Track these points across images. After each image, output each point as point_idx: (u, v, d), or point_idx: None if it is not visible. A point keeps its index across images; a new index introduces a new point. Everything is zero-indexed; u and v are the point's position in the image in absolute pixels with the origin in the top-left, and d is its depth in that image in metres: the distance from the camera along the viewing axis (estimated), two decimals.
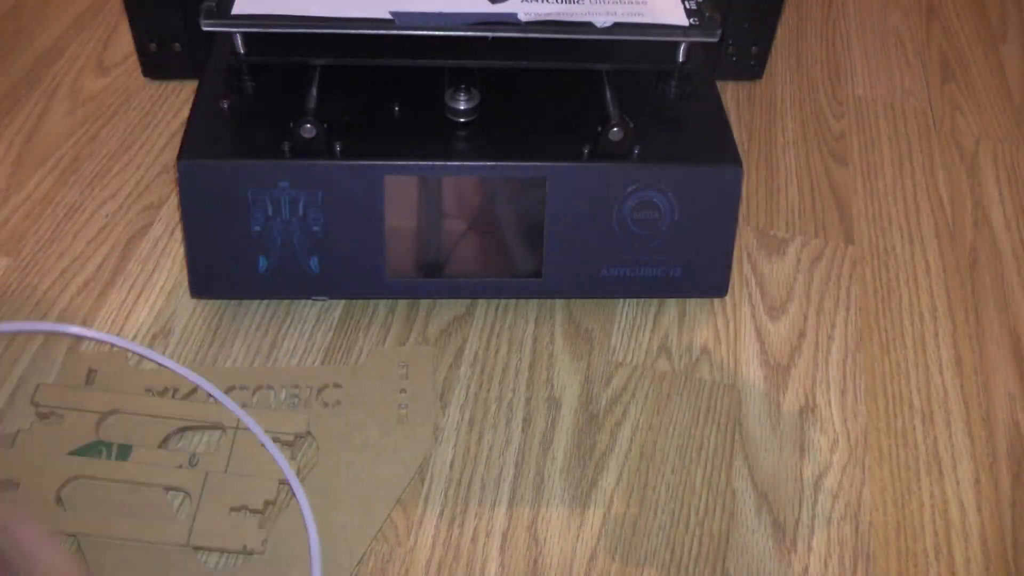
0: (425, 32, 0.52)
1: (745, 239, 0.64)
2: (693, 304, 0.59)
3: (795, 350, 0.57)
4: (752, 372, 0.56)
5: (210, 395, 0.51)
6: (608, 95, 0.54)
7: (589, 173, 0.53)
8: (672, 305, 0.59)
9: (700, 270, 0.56)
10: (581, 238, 0.54)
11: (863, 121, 0.74)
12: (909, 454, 0.53)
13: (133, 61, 0.72)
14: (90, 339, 0.54)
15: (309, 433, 0.50)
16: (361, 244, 0.53)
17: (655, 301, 0.59)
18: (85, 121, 0.69)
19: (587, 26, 0.52)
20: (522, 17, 0.52)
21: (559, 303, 0.58)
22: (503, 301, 0.58)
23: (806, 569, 0.48)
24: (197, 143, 0.52)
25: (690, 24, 0.53)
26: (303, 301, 0.57)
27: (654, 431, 0.53)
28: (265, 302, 0.57)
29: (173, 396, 0.51)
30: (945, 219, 0.66)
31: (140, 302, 0.57)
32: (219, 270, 0.54)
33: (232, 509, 0.46)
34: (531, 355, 0.56)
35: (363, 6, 0.52)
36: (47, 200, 0.63)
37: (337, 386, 0.52)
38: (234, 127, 0.54)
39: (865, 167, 0.70)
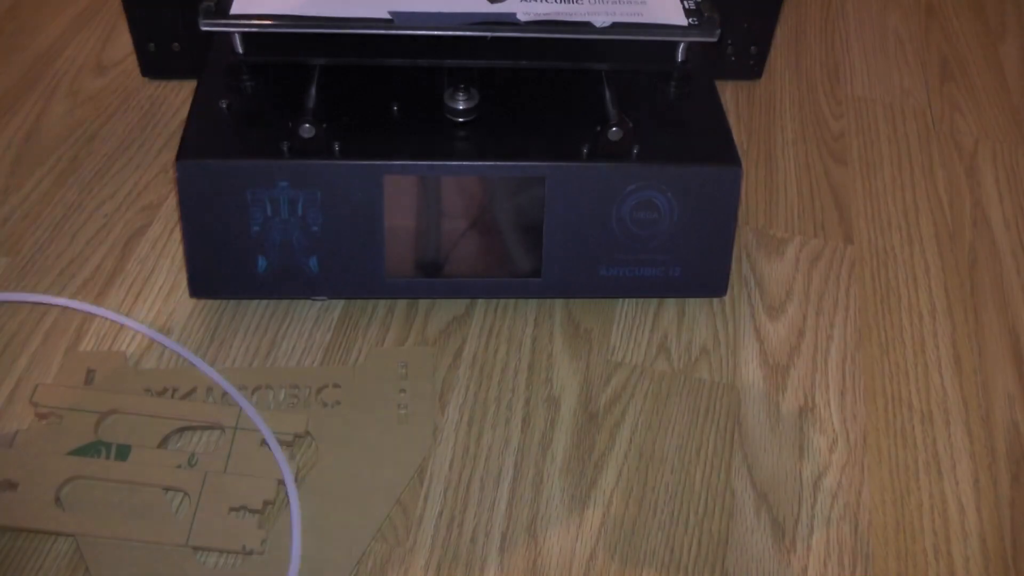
0: (424, 32, 0.52)
1: (744, 239, 0.64)
2: (692, 304, 0.59)
3: (794, 350, 0.57)
4: (751, 372, 0.56)
5: (211, 388, 0.51)
6: (607, 95, 0.54)
7: (588, 173, 0.53)
8: (671, 305, 0.59)
9: (699, 270, 0.56)
10: (580, 238, 0.54)
11: (862, 121, 0.74)
12: (908, 454, 0.53)
13: (132, 61, 0.72)
14: (96, 315, 0.54)
15: (308, 433, 0.50)
16: (360, 244, 0.53)
17: (654, 301, 0.59)
18: (84, 121, 0.69)
19: (586, 26, 0.52)
20: (521, 17, 0.52)
21: (558, 303, 0.58)
22: (502, 301, 0.58)
23: (805, 569, 0.48)
24: (196, 143, 0.52)
25: (689, 24, 0.53)
26: (302, 301, 0.57)
27: (653, 431, 0.53)
28: (264, 302, 0.57)
29: (172, 396, 0.51)
30: (944, 219, 0.66)
31: (139, 302, 0.57)
32: (218, 270, 0.54)
33: (231, 509, 0.46)
34: (530, 355, 0.56)
35: (363, 6, 0.52)
36: (46, 200, 0.63)
37: (336, 386, 0.52)
38: (233, 127, 0.54)
39: (864, 167, 0.70)
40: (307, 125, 0.51)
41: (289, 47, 0.54)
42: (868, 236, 0.65)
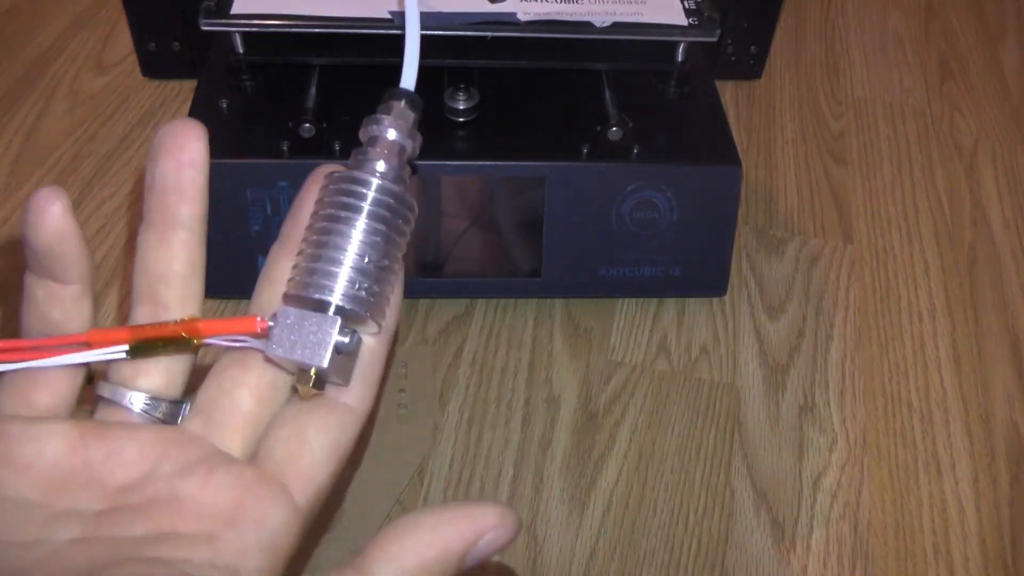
0: (424, 32, 0.51)
1: (744, 239, 0.64)
2: (692, 304, 0.59)
3: (794, 350, 0.57)
4: (751, 372, 0.56)
5: None
6: (607, 95, 0.54)
7: (588, 172, 0.53)
8: (671, 305, 0.59)
9: (699, 270, 0.56)
10: (580, 238, 0.54)
11: (862, 121, 0.74)
12: (908, 454, 0.53)
13: (132, 60, 0.72)
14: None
15: None
16: None
17: (654, 301, 0.59)
18: (84, 120, 0.69)
19: (586, 26, 0.52)
20: (521, 17, 0.52)
21: (558, 303, 0.59)
22: (502, 301, 0.58)
23: (805, 568, 0.48)
24: None
25: (689, 24, 0.53)
26: None
27: (653, 431, 0.53)
28: None
29: None
30: (944, 219, 0.66)
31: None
32: (218, 270, 0.54)
33: None
34: (530, 355, 0.56)
35: (362, 6, 0.52)
36: None
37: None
38: (233, 127, 0.54)
39: (864, 167, 0.70)
40: (307, 125, 0.51)
41: (289, 47, 0.54)
42: (868, 236, 0.65)
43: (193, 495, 0.25)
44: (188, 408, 0.28)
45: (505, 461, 0.51)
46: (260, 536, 0.25)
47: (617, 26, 0.52)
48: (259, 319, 0.27)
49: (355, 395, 0.29)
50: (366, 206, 0.28)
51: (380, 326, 0.29)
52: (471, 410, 0.53)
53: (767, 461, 0.52)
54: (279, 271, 0.30)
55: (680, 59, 0.56)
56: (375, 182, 0.28)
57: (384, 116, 0.30)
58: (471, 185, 0.54)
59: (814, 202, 0.67)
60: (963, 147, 0.73)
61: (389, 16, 0.52)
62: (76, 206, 0.62)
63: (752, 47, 0.73)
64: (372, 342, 0.29)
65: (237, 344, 0.28)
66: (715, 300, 0.59)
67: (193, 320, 0.28)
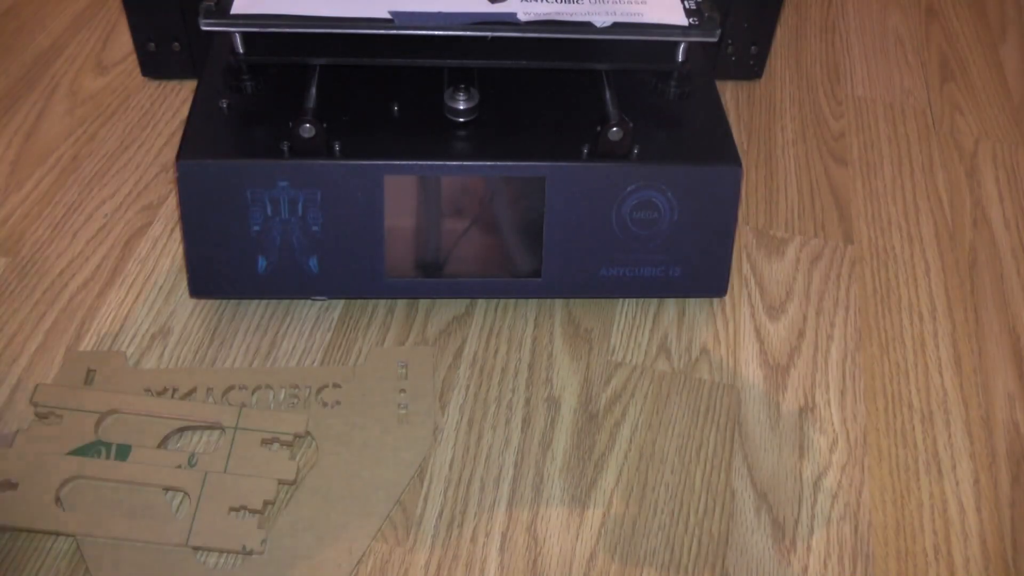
0: (424, 32, 0.51)
1: (744, 239, 0.64)
2: (692, 304, 0.59)
3: (794, 350, 0.57)
4: (751, 372, 0.56)
5: (211, 388, 0.51)
6: (607, 95, 0.54)
7: (588, 173, 0.53)
8: (671, 305, 0.59)
9: (699, 270, 0.56)
10: (580, 238, 0.54)
11: (862, 121, 0.74)
12: (908, 454, 0.53)
13: (132, 60, 0.72)
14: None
15: (308, 433, 0.50)
16: (360, 244, 0.53)
17: (654, 301, 0.59)
18: (84, 120, 0.69)
19: (586, 26, 0.52)
20: (521, 17, 0.52)
21: (558, 303, 0.58)
22: (502, 301, 0.58)
23: (805, 569, 0.48)
24: (196, 143, 0.52)
25: (689, 24, 0.53)
26: (302, 301, 0.57)
27: (653, 431, 0.53)
28: (264, 302, 0.57)
29: (172, 396, 0.51)
30: (944, 219, 0.66)
31: (139, 302, 0.57)
32: (218, 270, 0.54)
33: (231, 509, 0.46)
34: (530, 355, 0.56)
35: (363, 6, 0.52)
36: (46, 200, 0.63)
37: (336, 386, 0.52)
38: (233, 127, 0.54)
39: (864, 167, 0.70)
40: (307, 125, 0.51)
41: (289, 47, 0.54)
42: (868, 236, 0.65)
43: None
44: None
45: (505, 461, 0.51)
46: None
47: (617, 26, 0.52)
48: None
49: None
50: None
51: None
52: (471, 410, 0.53)
53: (767, 462, 0.52)
54: None
55: (680, 59, 0.56)
56: None
57: None
58: (471, 185, 0.53)
59: (814, 202, 0.67)
60: (964, 147, 0.73)
61: (389, 16, 0.51)
62: (76, 206, 0.62)
63: (752, 47, 0.73)
64: None
65: None
66: (715, 300, 0.59)
67: None
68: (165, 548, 0.45)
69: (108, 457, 0.48)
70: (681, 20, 0.53)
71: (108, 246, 0.60)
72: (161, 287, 0.58)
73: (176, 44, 0.69)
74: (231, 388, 0.52)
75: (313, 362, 0.54)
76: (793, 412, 0.54)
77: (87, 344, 0.54)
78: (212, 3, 0.51)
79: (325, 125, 0.51)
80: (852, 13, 0.85)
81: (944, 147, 0.72)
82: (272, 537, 0.46)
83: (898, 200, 0.68)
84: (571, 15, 0.53)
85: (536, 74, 0.58)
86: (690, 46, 0.55)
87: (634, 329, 0.58)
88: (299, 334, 0.56)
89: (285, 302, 0.57)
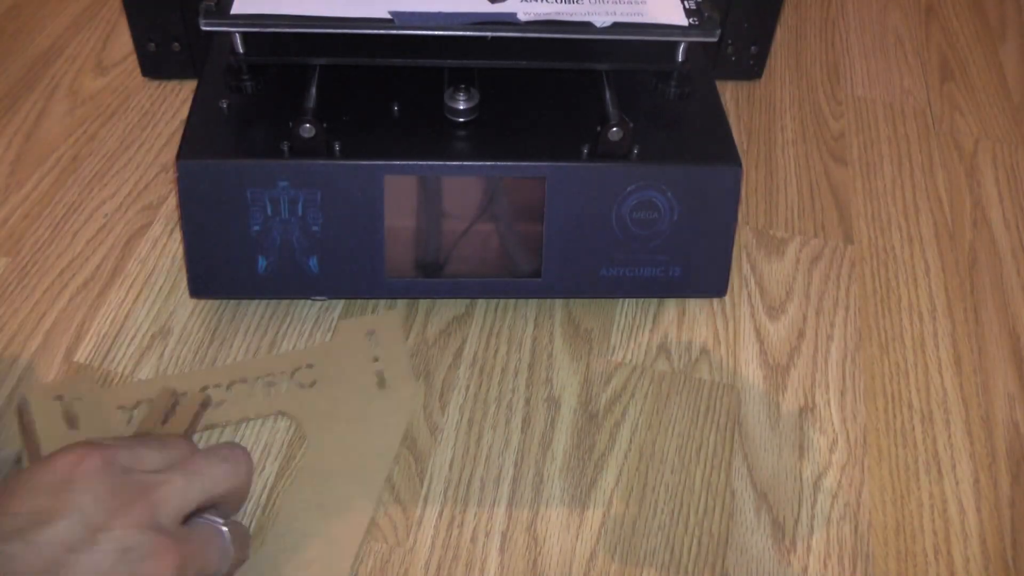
0: (424, 32, 0.51)
1: (744, 239, 0.64)
2: (692, 304, 0.59)
3: (794, 350, 0.57)
4: (751, 372, 0.56)
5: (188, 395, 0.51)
6: (607, 95, 0.54)
7: (588, 173, 0.53)
8: (671, 305, 0.59)
9: (699, 270, 0.56)
10: (580, 238, 0.54)
11: (862, 121, 0.74)
12: (908, 454, 0.53)
13: (132, 61, 0.72)
14: None
15: (286, 414, 0.51)
16: (360, 244, 0.53)
17: (654, 301, 0.59)
18: (84, 121, 0.69)
19: (586, 26, 0.52)
20: (521, 17, 0.52)
21: (558, 303, 0.58)
22: (502, 301, 0.58)
23: (805, 569, 0.48)
24: (196, 143, 0.52)
25: (689, 24, 0.53)
26: (302, 301, 0.57)
27: (653, 431, 0.53)
28: (264, 302, 0.57)
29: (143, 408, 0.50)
30: (944, 219, 0.66)
31: (139, 302, 0.57)
32: (218, 270, 0.54)
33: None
34: (530, 355, 0.56)
35: (363, 6, 0.52)
36: (46, 200, 0.63)
37: (310, 366, 0.53)
38: (233, 127, 0.54)
39: (864, 167, 0.70)
40: (307, 125, 0.51)
41: (289, 47, 0.54)
42: (868, 236, 0.65)
43: None
44: None
45: (505, 461, 0.51)
46: None
47: (617, 26, 0.52)
48: None
49: None
50: None
51: None
52: (471, 410, 0.53)
53: (767, 462, 0.52)
54: None
55: (680, 59, 0.56)
56: None
57: None
58: (471, 185, 0.53)
59: (814, 202, 0.67)
60: (963, 147, 0.73)
61: (389, 16, 0.51)
62: (76, 206, 0.62)
63: (752, 47, 0.73)
64: None
65: None
66: (715, 300, 0.59)
67: None
68: None
69: None
70: (681, 20, 0.53)
71: (108, 246, 0.60)
72: (161, 287, 0.58)
73: (176, 44, 0.69)
74: (205, 387, 0.52)
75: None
76: (793, 412, 0.54)
77: (87, 343, 0.54)
78: (212, 3, 0.51)
79: (325, 125, 0.51)
80: (852, 13, 0.85)
81: (944, 147, 0.72)
82: (280, 521, 0.46)
83: (898, 200, 0.68)
84: (571, 15, 0.53)
85: (536, 74, 0.58)
86: (690, 46, 0.55)
87: (634, 329, 0.58)
88: (299, 334, 0.56)
89: (285, 302, 0.57)
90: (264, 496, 0.48)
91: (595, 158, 0.53)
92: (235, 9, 0.52)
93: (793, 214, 0.66)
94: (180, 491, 0.39)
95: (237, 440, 0.50)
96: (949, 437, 0.54)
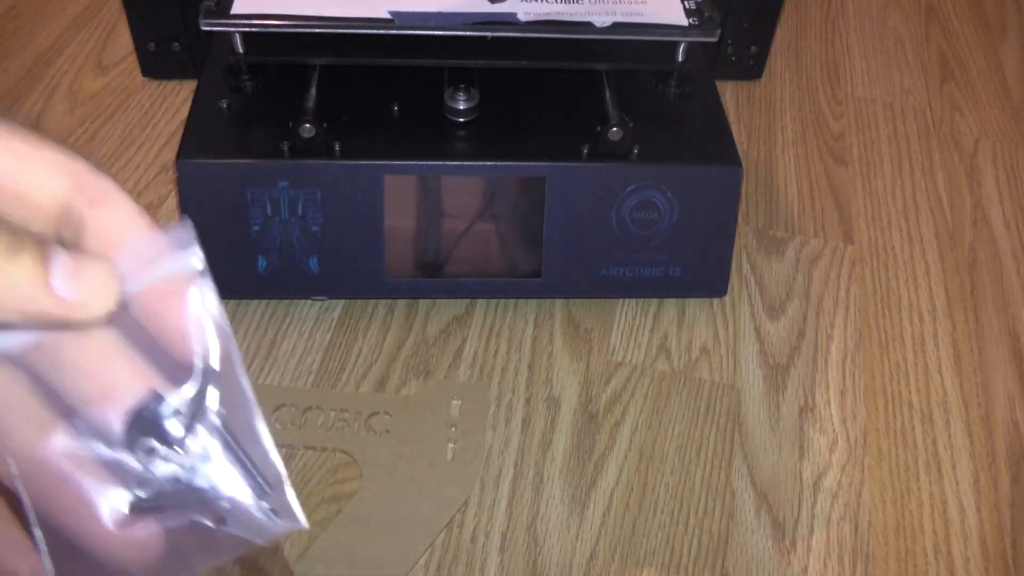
0: (424, 32, 0.52)
1: (744, 239, 0.64)
2: (692, 304, 0.59)
3: (794, 350, 0.57)
4: (751, 372, 0.56)
5: None
6: (607, 95, 0.54)
7: (588, 173, 0.53)
8: (671, 305, 0.59)
9: (700, 270, 0.56)
10: (580, 238, 0.54)
11: (862, 121, 0.74)
12: (908, 454, 0.53)
13: (132, 60, 0.72)
14: None
15: (352, 457, 0.50)
16: (360, 244, 0.53)
17: (654, 301, 0.59)
18: (84, 121, 0.69)
19: (586, 26, 0.52)
20: (521, 17, 0.52)
21: (558, 303, 0.58)
22: (502, 301, 0.58)
23: (805, 569, 0.48)
24: (196, 143, 0.52)
25: (689, 24, 0.53)
26: (302, 301, 0.57)
27: (653, 431, 0.53)
28: (264, 302, 0.57)
29: None
30: (944, 219, 0.66)
31: None
32: (218, 270, 0.53)
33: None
34: (530, 355, 0.56)
35: (363, 6, 0.52)
36: None
37: (387, 414, 0.52)
38: (233, 127, 0.54)
39: (864, 167, 0.70)
40: (307, 125, 0.51)
41: (289, 47, 0.54)
42: (868, 236, 0.65)
43: None
44: None
45: (505, 461, 0.51)
46: None
47: (617, 26, 0.52)
48: None
49: None
50: None
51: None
52: None
53: (767, 462, 0.52)
54: None
55: (680, 59, 0.56)
56: None
57: None
58: (471, 185, 0.53)
59: (814, 202, 0.67)
60: (963, 147, 0.73)
61: (389, 16, 0.51)
62: None
63: (752, 47, 0.73)
64: None
65: None
66: (715, 300, 0.59)
67: None
68: None
69: None
70: (681, 20, 0.53)
71: None
72: None
73: (176, 44, 0.69)
74: (280, 406, 0.51)
75: (313, 362, 0.54)
76: (793, 412, 0.54)
77: None
78: (212, 3, 0.51)
79: (325, 125, 0.51)
80: (852, 13, 0.85)
81: (944, 147, 0.72)
82: (307, 561, 0.45)
83: (898, 200, 0.68)
84: (571, 15, 0.53)
85: (536, 74, 0.58)
86: (690, 46, 0.55)
87: (634, 329, 0.58)
88: (299, 334, 0.56)
89: (285, 302, 0.57)
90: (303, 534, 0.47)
91: (595, 158, 0.53)
92: (235, 9, 0.52)
93: (793, 214, 0.66)
94: None
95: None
96: (949, 437, 0.54)
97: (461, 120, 0.54)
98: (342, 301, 0.58)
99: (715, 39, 0.54)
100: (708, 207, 0.54)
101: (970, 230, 0.66)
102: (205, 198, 0.52)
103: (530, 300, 0.58)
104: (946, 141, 0.73)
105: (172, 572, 0.26)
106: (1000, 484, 0.52)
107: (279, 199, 0.52)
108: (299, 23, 0.51)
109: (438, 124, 0.54)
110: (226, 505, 0.26)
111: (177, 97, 0.71)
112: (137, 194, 0.63)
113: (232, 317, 0.56)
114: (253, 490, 0.26)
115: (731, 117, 0.72)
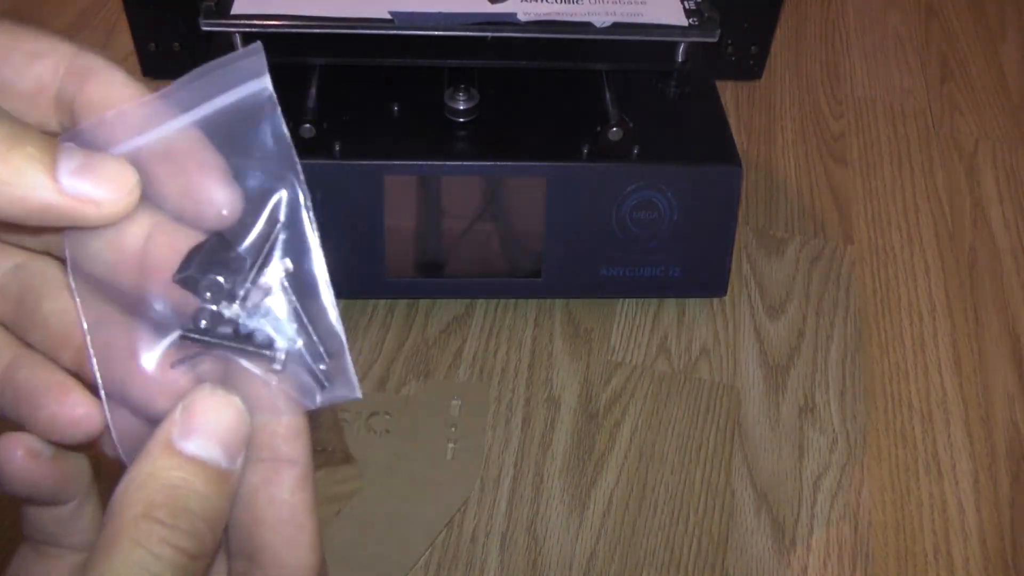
0: (425, 32, 0.52)
1: (744, 239, 0.64)
2: (692, 304, 0.59)
3: (794, 350, 0.57)
4: (751, 372, 0.56)
5: None
6: (607, 95, 0.54)
7: (588, 173, 0.53)
8: (671, 305, 0.59)
9: (699, 270, 0.56)
10: (580, 238, 0.54)
11: (862, 121, 0.74)
12: (908, 454, 0.53)
13: (132, 61, 0.72)
14: None
15: (352, 458, 0.49)
16: (361, 244, 0.53)
17: (654, 301, 0.59)
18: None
19: (586, 26, 0.52)
20: (521, 17, 0.52)
21: (558, 303, 0.58)
22: (502, 301, 0.58)
23: (805, 569, 0.48)
24: None
25: (689, 24, 0.53)
26: None
27: (653, 431, 0.53)
28: None
29: None
30: (944, 219, 0.66)
31: None
32: None
33: None
34: (530, 355, 0.56)
35: (363, 6, 0.52)
36: None
37: (387, 414, 0.52)
38: None
39: (864, 167, 0.70)
40: (307, 125, 0.51)
41: (289, 47, 0.54)
42: (868, 236, 0.65)
43: None
44: None
45: (505, 461, 0.51)
46: None
47: (617, 26, 0.52)
48: None
49: None
50: None
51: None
52: None
53: (767, 462, 0.52)
54: None
55: (680, 59, 0.56)
56: None
57: None
58: (471, 185, 0.53)
59: (814, 202, 0.67)
60: (963, 147, 0.73)
61: (389, 16, 0.52)
62: None
63: (752, 47, 0.73)
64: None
65: None
66: (715, 300, 0.59)
67: None
68: None
69: None
70: (681, 20, 0.54)
71: None
72: None
73: (176, 44, 0.69)
74: None
75: None
76: (793, 412, 0.54)
77: None
78: (212, 3, 0.51)
79: (325, 125, 0.51)
80: (852, 13, 0.85)
81: (944, 147, 0.72)
82: None
83: (898, 200, 0.68)
84: (571, 15, 0.53)
85: (536, 74, 0.58)
86: (690, 46, 0.55)
87: (634, 329, 0.58)
88: None
89: None
90: None
91: (595, 158, 0.53)
92: (235, 9, 0.52)
93: (793, 214, 0.66)
94: None
95: None
96: (949, 437, 0.54)
97: (461, 120, 0.54)
98: (342, 301, 0.57)
99: (715, 39, 0.54)
100: (708, 207, 0.54)
101: (970, 230, 0.66)
102: None
103: (530, 300, 0.58)
104: (946, 141, 0.73)
105: None
106: (1000, 484, 0.52)
107: None
108: (299, 23, 0.51)
109: (438, 124, 0.54)
110: (280, 360, 0.25)
111: None
112: None
113: None
114: (309, 351, 0.25)
115: (731, 117, 0.72)
